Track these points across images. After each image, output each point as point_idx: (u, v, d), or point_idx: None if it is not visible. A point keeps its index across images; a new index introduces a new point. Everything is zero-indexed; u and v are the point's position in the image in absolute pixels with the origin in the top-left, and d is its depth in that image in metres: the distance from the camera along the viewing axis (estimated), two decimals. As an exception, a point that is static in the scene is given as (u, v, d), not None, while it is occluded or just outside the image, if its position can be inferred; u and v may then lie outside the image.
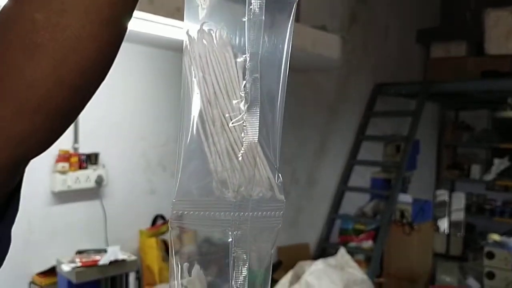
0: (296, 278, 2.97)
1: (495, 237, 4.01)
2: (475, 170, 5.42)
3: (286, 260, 3.66)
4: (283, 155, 0.47)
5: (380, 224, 3.94)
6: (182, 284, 0.42)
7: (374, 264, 3.73)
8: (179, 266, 0.42)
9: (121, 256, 2.23)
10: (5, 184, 0.39)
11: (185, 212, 0.42)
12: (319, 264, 2.91)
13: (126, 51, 2.74)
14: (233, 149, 0.40)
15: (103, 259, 2.18)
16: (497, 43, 4.34)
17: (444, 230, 5.04)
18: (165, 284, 2.73)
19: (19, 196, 0.42)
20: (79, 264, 2.13)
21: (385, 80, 4.53)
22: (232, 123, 0.41)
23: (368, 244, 4.03)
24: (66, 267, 2.11)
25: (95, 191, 2.69)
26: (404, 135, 4.21)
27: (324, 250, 4.01)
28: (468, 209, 5.27)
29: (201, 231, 0.42)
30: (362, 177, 4.45)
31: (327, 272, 2.87)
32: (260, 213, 0.42)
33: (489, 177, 5.30)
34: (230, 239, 0.41)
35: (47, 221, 2.52)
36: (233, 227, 0.41)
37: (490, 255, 3.89)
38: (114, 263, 2.18)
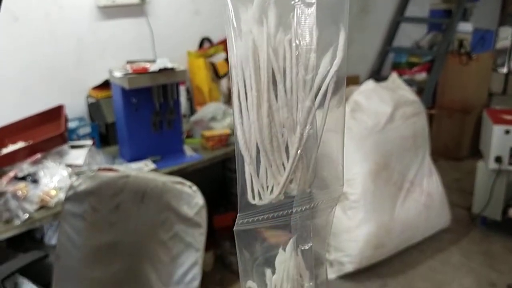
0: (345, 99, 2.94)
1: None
2: (547, 3, 4.91)
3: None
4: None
5: (436, 54, 3.75)
6: None
7: (426, 95, 3.62)
8: None
9: (170, 65, 2.23)
10: None
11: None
12: (369, 84, 2.83)
13: None
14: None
15: (153, 67, 2.19)
16: None
17: (503, 70, 4.77)
18: (214, 102, 2.78)
19: None
20: (130, 71, 2.15)
21: None
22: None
23: (421, 76, 3.89)
24: (118, 74, 2.15)
25: (140, 8, 2.63)
26: (472, -44, 3.76)
27: (374, 83, 3.91)
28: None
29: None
30: (420, 7, 4.13)
31: (377, 92, 2.80)
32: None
33: (562, 10, 4.80)
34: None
35: (96, 37, 2.53)
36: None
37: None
38: (164, 71, 2.20)
